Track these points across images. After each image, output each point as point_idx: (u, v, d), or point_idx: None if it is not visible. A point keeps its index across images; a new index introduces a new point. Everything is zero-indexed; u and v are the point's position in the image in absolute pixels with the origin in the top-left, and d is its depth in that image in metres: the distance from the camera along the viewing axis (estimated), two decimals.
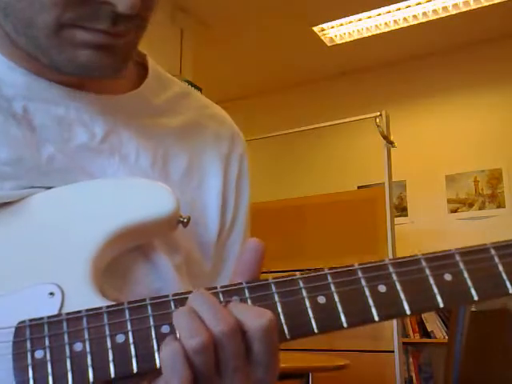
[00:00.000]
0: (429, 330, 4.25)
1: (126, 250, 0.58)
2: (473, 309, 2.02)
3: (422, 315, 4.30)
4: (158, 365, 0.46)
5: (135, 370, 0.46)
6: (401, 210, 4.70)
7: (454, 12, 4.13)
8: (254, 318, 0.46)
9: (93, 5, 0.55)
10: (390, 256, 2.86)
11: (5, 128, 0.59)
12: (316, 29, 4.37)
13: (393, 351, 2.85)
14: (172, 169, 0.67)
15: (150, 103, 0.70)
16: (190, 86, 0.78)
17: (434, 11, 4.15)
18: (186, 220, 0.59)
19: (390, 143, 3.03)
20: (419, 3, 4.07)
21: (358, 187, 4.48)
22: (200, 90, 3.95)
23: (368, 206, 3.15)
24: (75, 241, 0.55)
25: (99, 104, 0.64)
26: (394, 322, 2.85)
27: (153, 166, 0.65)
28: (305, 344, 2.84)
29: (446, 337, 4.04)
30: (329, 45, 4.58)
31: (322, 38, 4.49)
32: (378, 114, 3.05)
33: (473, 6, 4.05)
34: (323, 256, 3.02)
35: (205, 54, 4.44)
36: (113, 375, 0.46)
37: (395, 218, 3.16)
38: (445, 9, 4.12)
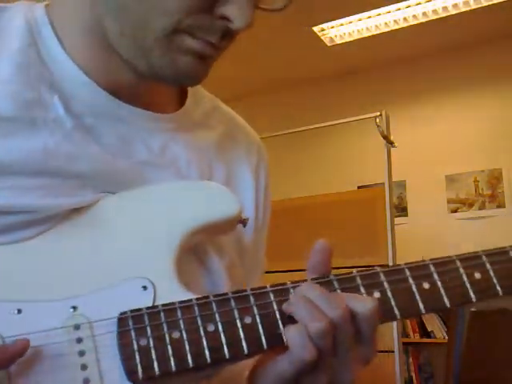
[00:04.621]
0: (429, 329, 4.25)
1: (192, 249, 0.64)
2: (473, 309, 2.02)
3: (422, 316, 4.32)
4: (245, 351, 0.53)
5: (227, 356, 0.53)
6: (401, 209, 4.70)
7: (453, 12, 4.13)
8: (363, 303, 0.54)
9: (211, 17, 0.59)
10: (390, 256, 2.87)
11: (83, 143, 0.62)
12: (316, 29, 4.37)
13: (393, 351, 2.84)
14: (215, 180, 0.71)
15: (192, 119, 0.74)
16: (215, 97, 0.81)
17: (434, 11, 4.15)
18: (246, 220, 0.65)
19: (390, 143, 3.03)
20: (419, 3, 4.07)
21: (358, 187, 4.48)
22: None
23: (368, 205, 3.14)
24: (158, 239, 0.60)
25: (154, 121, 0.68)
26: (394, 322, 2.85)
27: (201, 177, 0.69)
28: None
29: (446, 337, 4.05)
30: (329, 45, 4.59)
31: (322, 38, 4.49)
32: (378, 114, 3.05)
33: (473, 6, 4.05)
34: None
35: None
36: (209, 361, 0.52)
37: (395, 218, 3.16)
38: (445, 9, 4.12)
